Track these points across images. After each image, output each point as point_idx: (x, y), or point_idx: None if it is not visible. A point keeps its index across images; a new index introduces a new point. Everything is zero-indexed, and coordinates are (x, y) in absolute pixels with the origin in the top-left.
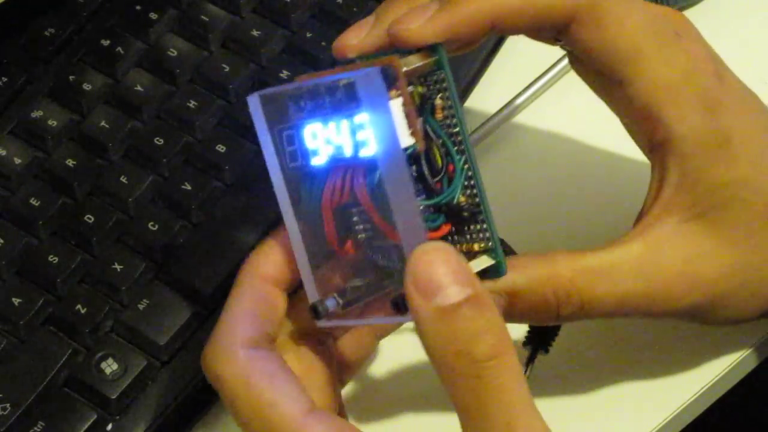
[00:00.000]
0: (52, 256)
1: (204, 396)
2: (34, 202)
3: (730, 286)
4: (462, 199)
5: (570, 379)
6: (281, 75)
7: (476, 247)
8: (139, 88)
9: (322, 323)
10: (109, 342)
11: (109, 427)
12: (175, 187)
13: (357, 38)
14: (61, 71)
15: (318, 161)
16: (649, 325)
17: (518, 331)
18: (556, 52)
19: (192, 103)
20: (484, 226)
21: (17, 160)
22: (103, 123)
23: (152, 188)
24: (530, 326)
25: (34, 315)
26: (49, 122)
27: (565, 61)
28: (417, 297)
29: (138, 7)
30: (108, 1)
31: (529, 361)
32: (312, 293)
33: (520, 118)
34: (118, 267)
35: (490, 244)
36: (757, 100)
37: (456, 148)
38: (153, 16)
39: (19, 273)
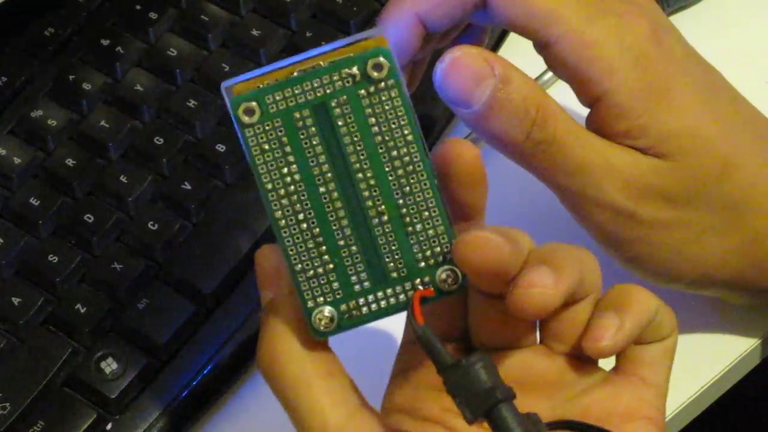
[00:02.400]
0: (51, 255)
1: (204, 396)
2: (33, 201)
3: (671, 217)
4: None
5: None
6: None
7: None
8: (139, 87)
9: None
10: (109, 341)
11: (109, 426)
12: (175, 186)
13: None
14: (61, 71)
15: None
16: None
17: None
18: None
19: (192, 103)
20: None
21: (17, 160)
22: (102, 122)
23: (152, 188)
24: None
25: (34, 314)
26: (49, 122)
27: None
28: None
29: (138, 7)
30: (108, 0)
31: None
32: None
33: None
34: (117, 266)
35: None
36: (696, 58)
37: None
38: (153, 15)
39: (19, 272)
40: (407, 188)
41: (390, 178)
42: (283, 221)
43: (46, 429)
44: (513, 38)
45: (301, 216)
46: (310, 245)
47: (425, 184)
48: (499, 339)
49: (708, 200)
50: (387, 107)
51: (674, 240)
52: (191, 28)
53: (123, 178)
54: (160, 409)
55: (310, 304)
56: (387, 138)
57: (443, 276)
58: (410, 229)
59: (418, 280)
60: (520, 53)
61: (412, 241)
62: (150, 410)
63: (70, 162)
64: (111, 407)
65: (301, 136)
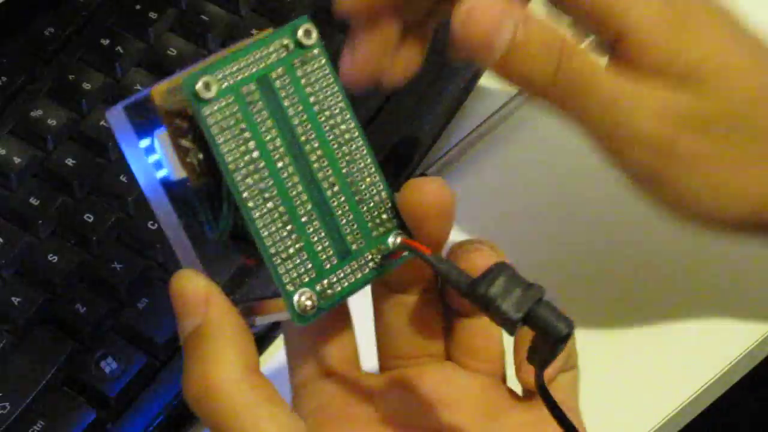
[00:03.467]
0: (51, 255)
1: None
2: (33, 201)
3: (702, 154)
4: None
5: None
6: None
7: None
8: (138, 87)
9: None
10: (109, 341)
11: (109, 425)
12: None
13: None
14: (60, 71)
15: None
16: (649, 325)
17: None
18: None
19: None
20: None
21: (17, 160)
22: (102, 122)
23: None
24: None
25: (34, 314)
26: (49, 121)
27: None
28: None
29: (138, 7)
30: (108, 0)
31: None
32: None
33: (519, 117)
34: (117, 266)
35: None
36: (724, 8)
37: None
38: (152, 15)
39: (19, 272)
40: (348, 156)
41: (333, 147)
42: (251, 202)
43: (46, 429)
44: None
45: (266, 195)
46: (279, 225)
47: (363, 151)
48: (410, 347)
49: (747, 128)
50: (319, 75)
51: (717, 174)
52: (191, 28)
53: (123, 178)
54: (160, 409)
55: (289, 288)
56: (323, 106)
57: (396, 241)
58: (358, 198)
59: (375, 250)
60: None
61: (363, 210)
62: (150, 410)
63: (70, 162)
64: (111, 407)
65: (252, 111)
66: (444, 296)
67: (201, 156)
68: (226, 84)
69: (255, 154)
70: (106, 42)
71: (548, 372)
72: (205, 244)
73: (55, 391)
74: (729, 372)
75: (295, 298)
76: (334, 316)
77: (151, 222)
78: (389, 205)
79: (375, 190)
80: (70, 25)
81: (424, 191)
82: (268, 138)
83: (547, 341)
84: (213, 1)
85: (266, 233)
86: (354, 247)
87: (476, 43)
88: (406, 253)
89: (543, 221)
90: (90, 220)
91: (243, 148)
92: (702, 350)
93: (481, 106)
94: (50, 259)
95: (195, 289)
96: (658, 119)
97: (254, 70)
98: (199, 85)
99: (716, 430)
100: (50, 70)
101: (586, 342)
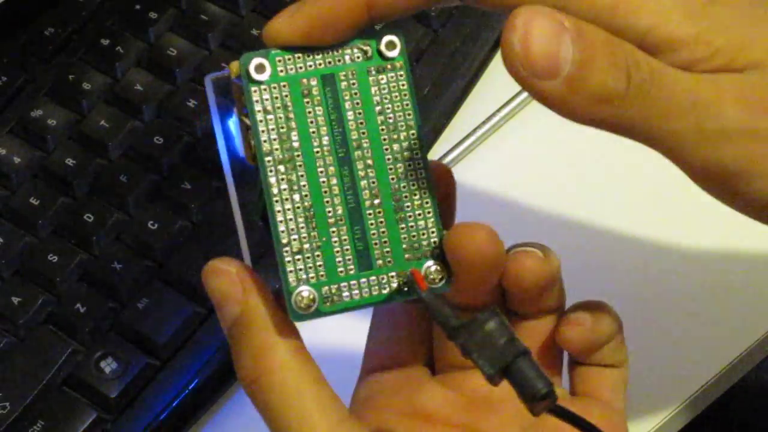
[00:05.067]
0: (51, 255)
1: (203, 395)
2: (33, 201)
3: None
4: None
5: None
6: None
7: None
8: (138, 87)
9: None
10: (109, 341)
11: (109, 425)
12: (175, 186)
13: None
14: (60, 71)
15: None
16: (649, 325)
17: None
18: None
19: (192, 102)
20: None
21: (17, 160)
22: (102, 122)
23: (152, 187)
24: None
25: (34, 314)
26: (49, 121)
27: None
28: (217, 314)
29: (138, 7)
30: (108, 0)
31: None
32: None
33: (519, 119)
34: (117, 266)
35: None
36: None
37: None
38: (152, 15)
39: (19, 272)
40: (403, 175)
41: (387, 161)
42: (276, 189)
43: (46, 429)
44: None
45: (295, 187)
46: (300, 219)
47: (420, 173)
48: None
49: None
50: (393, 88)
51: None
52: (191, 28)
53: (123, 178)
54: (160, 409)
55: (292, 281)
56: (389, 120)
57: (432, 269)
58: (400, 217)
59: (401, 273)
60: None
61: (401, 231)
62: (150, 410)
63: (70, 162)
64: (111, 407)
65: (306, 104)
66: (503, 300)
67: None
68: (285, 71)
69: (296, 144)
70: (106, 42)
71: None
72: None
73: (55, 391)
74: (729, 372)
75: (295, 293)
76: (418, 316)
77: (152, 222)
78: (434, 233)
79: (423, 215)
80: (70, 25)
81: (475, 239)
82: (315, 134)
83: (525, 398)
84: (213, 1)
85: (283, 222)
86: (379, 262)
87: (543, 67)
88: (436, 285)
89: (543, 221)
90: (90, 220)
91: (284, 135)
92: (702, 350)
93: (481, 106)
94: (50, 259)
95: (230, 276)
96: (741, 107)
97: (321, 65)
98: (252, 66)
99: (716, 430)
100: (50, 70)
101: None
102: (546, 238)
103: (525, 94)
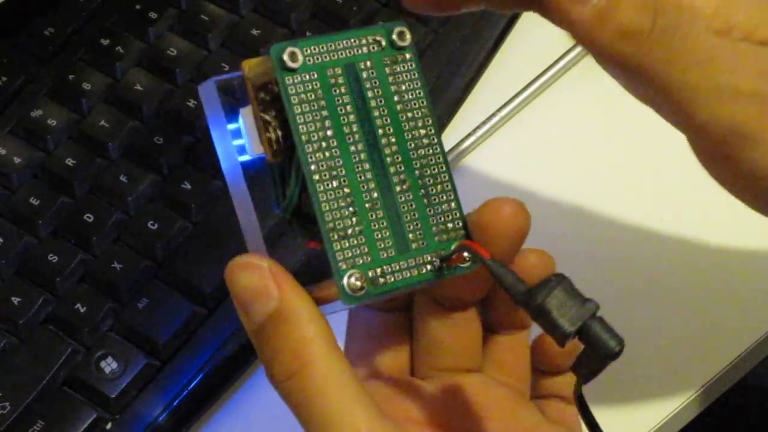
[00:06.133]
0: (51, 255)
1: (203, 395)
2: (33, 201)
3: None
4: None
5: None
6: None
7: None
8: (138, 87)
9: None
10: (109, 341)
11: (109, 426)
12: (175, 186)
13: None
14: (60, 71)
15: (243, 158)
16: (649, 324)
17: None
18: (559, 48)
19: (192, 103)
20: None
21: (17, 160)
22: (102, 122)
23: (152, 187)
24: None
25: (34, 314)
26: (49, 121)
27: (563, 62)
28: (239, 314)
29: (138, 7)
30: (108, 0)
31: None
32: None
33: (521, 117)
34: (117, 266)
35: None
36: None
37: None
38: (152, 15)
39: (19, 272)
40: (424, 160)
41: (410, 147)
42: (317, 176)
43: (46, 429)
44: (514, 36)
45: (334, 173)
46: (341, 204)
47: (439, 158)
48: (451, 361)
49: None
50: (406, 77)
51: None
52: (191, 28)
53: (123, 178)
54: (160, 409)
55: (342, 266)
56: (407, 107)
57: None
58: (426, 200)
59: (435, 254)
60: (512, 63)
61: (430, 214)
62: (150, 410)
63: (70, 162)
64: (111, 407)
65: (334, 93)
66: (484, 312)
67: (280, 133)
68: (312, 60)
69: (329, 132)
70: (106, 42)
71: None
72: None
73: (55, 391)
74: (729, 372)
75: (346, 277)
76: (394, 324)
77: (152, 222)
78: (458, 215)
79: (446, 198)
80: (70, 25)
81: (503, 212)
82: (345, 121)
83: (598, 356)
84: (213, 1)
85: (327, 209)
86: (414, 246)
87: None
88: (464, 265)
89: (542, 222)
90: (90, 220)
91: (319, 123)
92: (702, 350)
93: (481, 106)
94: (50, 259)
95: (262, 271)
96: (758, 72)
97: (342, 55)
98: (286, 55)
99: (716, 429)
100: (50, 70)
101: None
102: (545, 238)
103: (524, 95)
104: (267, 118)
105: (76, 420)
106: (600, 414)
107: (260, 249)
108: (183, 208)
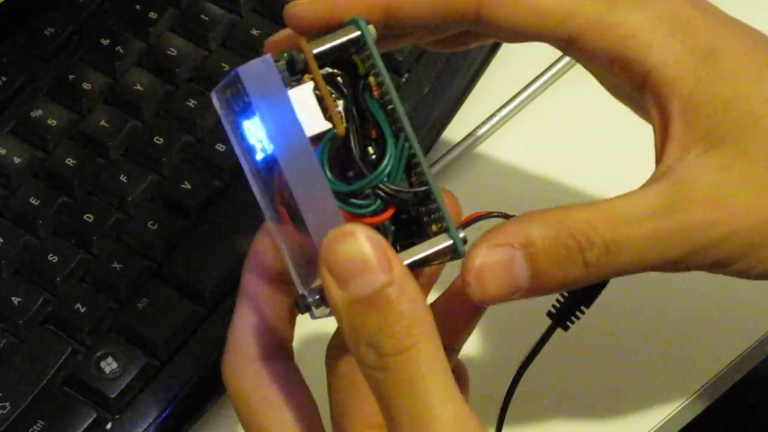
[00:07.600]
0: (51, 255)
1: (203, 395)
2: (33, 201)
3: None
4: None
5: (569, 378)
6: None
7: (434, 227)
8: (138, 87)
9: (316, 316)
10: (109, 341)
11: (109, 426)
12: (175, 186)
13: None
14: (60, 71)
15: (258, 157)
16: (649, 324)
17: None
18: (554, 53)
19: (192, 102)
20: (433, 206)
21: (17, 160)
22: (102, 122)
23: (152, 187)
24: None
25: (34, 314)
26: (49, 121)
27: (563, 62)
28: (332, 287)
29: (138, 7)
30: (108, 0)
31: (544, 337)
32: (297, 287)
33: (519, 119)
34: (117, 266)
35: (444, 224)
36: (742, 23)
37: (392, 127)
38: (152, 15)
39: (19, 272)
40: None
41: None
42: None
43: (46, 429)
44: (503, 50)
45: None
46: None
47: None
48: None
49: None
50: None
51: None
52: (191, 28)
53: (123, 178)
54: (160, 409)
55: (454, 226)
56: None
57: (462, 235)
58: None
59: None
60: (511, 63)
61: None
62: (150, 410)
63: (70, 162)
64: (111, 407)
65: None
66: None
67: (344, 104)
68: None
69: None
70: (106, 42)
71: None
72: None
73: (55, 391)
74: (729, 372)
75: (461, 234)
76: None
77: (152, 222)
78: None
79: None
80: (70, 25)
81: None
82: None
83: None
84: (213, 1)
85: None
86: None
87: (489, 299)
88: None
89: None
90: (90, 220)
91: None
92: (701, 351)
93: (481, 106)
94: (50, 259)
95: (374, 243)
96: (725, 229)
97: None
98: (372, 27)
99: (716, 429)
100: (50, 70)
101: (586, 341)
102: None
103: (524, 95)
104: (333, 92)
105: (76, 420)
106: (600, 414)
107: (341, 223)
108: (183, 208)
